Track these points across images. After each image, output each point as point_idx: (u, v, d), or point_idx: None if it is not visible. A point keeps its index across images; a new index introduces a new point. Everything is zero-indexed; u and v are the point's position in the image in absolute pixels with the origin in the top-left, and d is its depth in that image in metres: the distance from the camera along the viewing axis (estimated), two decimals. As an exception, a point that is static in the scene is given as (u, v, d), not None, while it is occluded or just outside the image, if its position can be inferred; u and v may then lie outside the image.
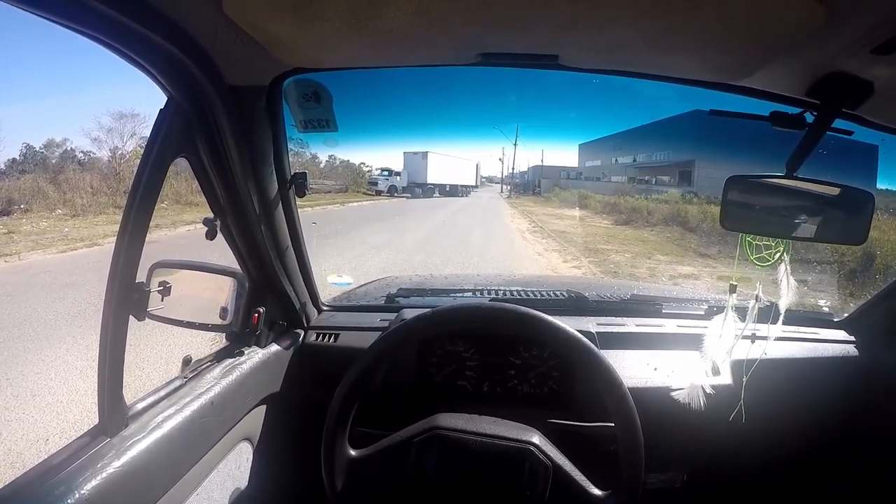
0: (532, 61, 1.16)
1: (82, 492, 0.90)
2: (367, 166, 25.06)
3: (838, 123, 1.15)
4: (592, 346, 1.19)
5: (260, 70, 1.18)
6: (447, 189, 25.56)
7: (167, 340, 4.82)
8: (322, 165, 24.23)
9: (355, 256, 8.83)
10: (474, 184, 28.87)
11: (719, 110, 1.23)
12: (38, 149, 21.49)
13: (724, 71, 1.14)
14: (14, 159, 20.62)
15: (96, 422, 1.04)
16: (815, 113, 1.12)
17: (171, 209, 14.47)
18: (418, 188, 23.76)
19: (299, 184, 1.44)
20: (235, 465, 1.41)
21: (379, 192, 22.99)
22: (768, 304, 1.41)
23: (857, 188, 1.20)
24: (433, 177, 24.52)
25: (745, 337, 1.45)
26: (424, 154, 23.88)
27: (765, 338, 1.46)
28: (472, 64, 1.17)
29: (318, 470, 1.18)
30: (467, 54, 1.13)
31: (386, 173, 23.82)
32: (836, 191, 1.19)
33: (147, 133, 1.07)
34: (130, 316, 1.05)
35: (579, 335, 1.19)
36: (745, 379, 1.46)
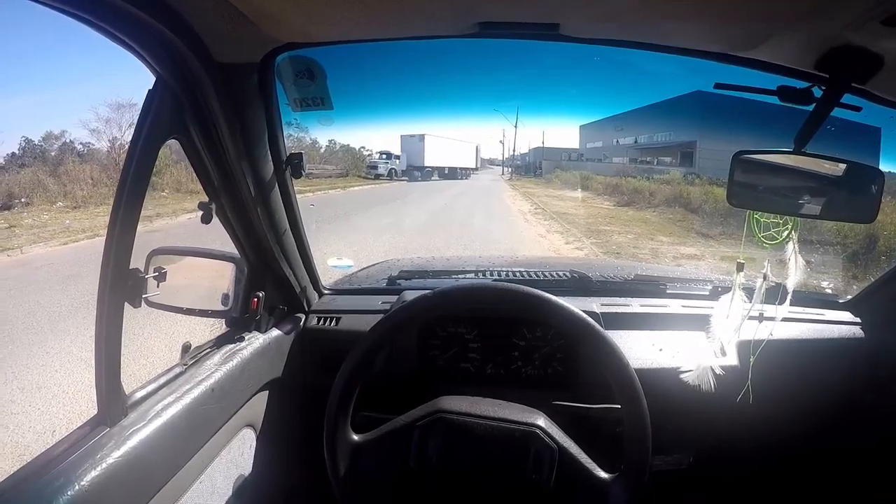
0: (533, 31, 1.13)
1: (82, 483, 0.89)
2: (368, 150, 25.14)
3: (847, 99, 1.12)
4: (598, 326, 1.16)
5: (250, 46, 1.15)
6: (446, 172, 25.64)
7: (170, 329, 4.82)
8: (322, 150, 24.34)
9: (357, 240, 8.84)
10: (474, 166, 28.98)
11: (724, 84, 1.20)
12: (36, 142, 21.55)
13: (731, 42, 1.12)
14: (13, 153, 20.66)
15: (101, 412, 1.03)
16: (824, 87, 1.09)
17: (171, 198, 14.44)
18: (417, 171, 23.78)
19: (295, 165, 1.40)
20: (238, 451, 1.40)
21: (378, 176, 22.92)
22: (774, 283, 1.39)
23: (867, 165, 1.17)
24: (431, 160, 24.59)
25: (752, 317, 1.43)
26: (421, 137, 23.97)
27: (772, 318, 1.44)
28: (471, 35, 1.14)
29: (322, 455, 1.17)
30: (465, 24, 1.10)
31: (385, 157, 23.81)
32: (845, 167, 1.16)
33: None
34: (127, 304, 1.03)
35: (584, 315, 1.16)
36: (752, 359, 1.45)
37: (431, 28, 1.18)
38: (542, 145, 29.01)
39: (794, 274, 1.33)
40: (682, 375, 1.44)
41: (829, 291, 2.32)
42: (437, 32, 1.20)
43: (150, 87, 1.03)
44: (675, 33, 1.14)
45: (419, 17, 1.10)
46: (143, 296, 1.10)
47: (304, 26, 1.10)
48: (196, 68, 1.06)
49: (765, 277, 1.35)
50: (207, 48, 1.07)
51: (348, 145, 25.49)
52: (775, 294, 1.39)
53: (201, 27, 1.02)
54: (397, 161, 23.77)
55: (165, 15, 0.95)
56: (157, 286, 1.21)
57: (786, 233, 1.29)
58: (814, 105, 1.10)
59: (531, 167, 29.02)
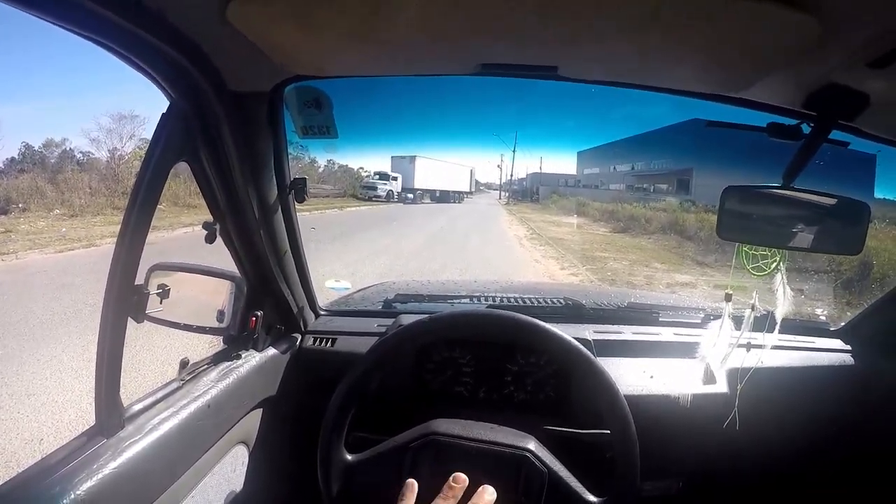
0: (532, 72, 1.17)
1: (78, 492, 0.89)
2: (366, 171, 24.85)
3: (835, 135, 1.15)
4: (589, 353, 1.19)
5: (262, 77, 1.19)
6: (437, 195, 25.34)
7: (163, 342, 4.80)
8: (321, 170, 24.24)
9: (353, 261, 8.86)
10: (468, 190, 28.77)
11: (717, 121, 1.23)
12: (37, 148, 21.61)
13: (722, 84, 1.15)
14: (13, 158, 20.70)
15: (91, 422, 1.04)
16: (812, 124, 1.13)
17: (168, 211, 14.45)
18: (409, 194, 23.48)
19: (299, 189, 1.44)
20: (231, 468, 1.41)
21: (375, 198, 22.40)
22: (764, 312, 1.42)
23: (853, 199, 1.20)
24: (421, 182, 24.31)
25: (740, 345, 1.46)
26: (412, 158, 23.73)
27: (761, 346, 1.47)
28: (473, 74, 1.18)
29: (314, 474, 1.18)
30: (467, 65, 1.14)
31: (378, 177, 23.36)
32: (832, 201, 1.19)
33: (146, 135, 1.09)
34: (129, 318, 1.05)
35: (576, 343, 1.19)
36: (739, 387, 1.47)
37: (435, 67, 1.22)
38: (539, 171, 29.23)
39: (783, 303, 1.36)
40: (671, 402, 1.46)
41: (822, 319, 2.33)
42: (441, 71, 1.24)
43: (164, 111, 1.06)
44: (668, 75, 1.17)
45: (424, 57, 1.14)
46: (146, 311, 1.12)
47: (315, 61, 1.14)
48: (210, 96, 1.10)
49: (753, 307, 1.39)
50: (222, 77, 1.11)
51: (346, 166, 25.47)
52: (765, 323, 1.42)
53: (217, 58, 1.06)
54: (395, 182, 23.39)
55: (184, 45, 0.98)
56: (160, 302, 1.22)
57: (774, 264, 1.32)
58: (803, 140, 1.14)
59: (528, 192, 29.14)
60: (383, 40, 1.00)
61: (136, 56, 0.94)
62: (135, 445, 1.03)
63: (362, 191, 23.25)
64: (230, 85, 1.13)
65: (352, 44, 1.03)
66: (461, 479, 1.03)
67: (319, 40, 1.01)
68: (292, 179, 1.43)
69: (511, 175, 30.25)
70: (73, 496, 0.89)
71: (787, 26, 0.82)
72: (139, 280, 1.09)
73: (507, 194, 29.30)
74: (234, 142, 1.19)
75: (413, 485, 1.03)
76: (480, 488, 1.04)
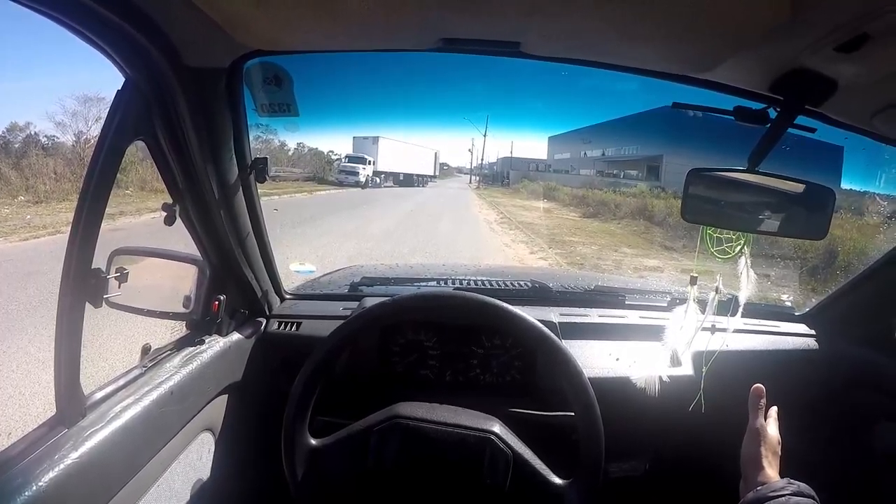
0: (494, 48, 1.16)
1: (40, 483, 0.88)
2: (336, 154, 24.24)
3: (802, 120, 1.16)
4: (552, 335, 1.20)
5: (219, 51, 1.15)
6: (401, 178, 24.77)
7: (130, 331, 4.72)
8: (290, 153, 23.69)
9: (322, 245, 8.82)
10: (433, 173, 28.14)
11: (682, 103, 1.23)
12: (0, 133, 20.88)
13: (688, 63, 1.15)
14: (-26, 144, 19.98)
15: (57, 413, 1.02)
16: (779, 109, 1.13)
17: (136, 196, 14.14)
18: (377, 177, 22.89)
19: (260, 169, 1.41)
20: (197, 455, 1.40)
21: (356, 184, 21.44)
22: (729, 296, 1.44)
23: (819, 184, 1.20)
24: (384, 164, 23.59)
25: (704, 329, 1.48)
26: (375, 139, 22.96)
27: (724, 330, 1.49)
28: (434, 50, 1.16)
29: (280, 459, 1.18)
30: (428, 39, 1.13)
31: (347, 160, 22.60)
32: (797, 186, 1.20)
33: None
34: (88, 304, 1.03)
35: (539, 324, 1.20)
36: (704, 370, 1.49)
37: (395, 42, 1.21)
38: (510, 155, 29.20)
39: (746, 287, 1.37)
40: (636, 384, 1.48)
41: (788, 304, 2.38)
42: (401, 46, 1.23)
43: (119, 88, 1.03)
44: (633, 54, 1.17)
45: (383, 32, 1.12)
46: (105, 296, 1.09)
47: (272, 35, 1.12)
48: (165, 71, 1.07)
49: (717, 291, 1.40)
50: (178, 52, 1.07)
51: (317, 149, 24.91)
52: (729, 307, 1.44)
53: (172, 32, 1.02)
54: (370, 166, 22.58)
55: (137, 19, 0.95)
56: (119, 286, 1.19)
57: (738, 248, 1.33)
58: (769, 125, 1.14)
59: (498, 176, 29.08)
60: (340, 12, 0.98)
61: (87, 30, 0.91)
62: (97, 434, 1.01)
63: (339, 175, 22.35)
64: (187, 60, 1.09)
65: (308, 16, 1.01)
66: None
67: (275, 12, 0.99)
68: (253, 159, 1.40)
69: (482, 159, 30.11)
70: (34, 488, 0.87)
71: (756, 4, 0.82)
72: (101, 265, 1.07)
73: (477, 178, 29.18)
74: (191, 119, 1.16)
75: None
76: None
